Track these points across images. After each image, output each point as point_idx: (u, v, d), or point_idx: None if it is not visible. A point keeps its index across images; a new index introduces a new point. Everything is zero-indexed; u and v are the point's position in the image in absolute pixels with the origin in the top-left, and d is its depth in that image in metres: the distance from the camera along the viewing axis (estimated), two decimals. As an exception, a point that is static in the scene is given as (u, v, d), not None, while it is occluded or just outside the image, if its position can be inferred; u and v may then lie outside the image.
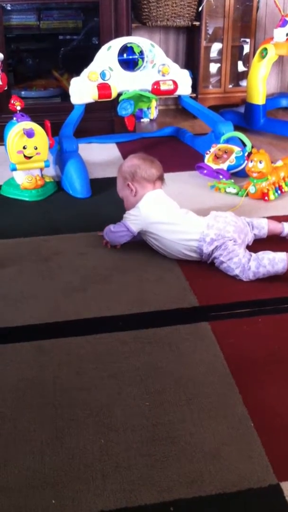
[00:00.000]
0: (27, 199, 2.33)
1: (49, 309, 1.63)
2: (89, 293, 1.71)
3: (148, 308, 1.63)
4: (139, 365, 1.40)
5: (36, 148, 2.28)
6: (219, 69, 3.59)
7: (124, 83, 2.68)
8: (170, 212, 1.87)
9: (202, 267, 1.83)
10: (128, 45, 2.69)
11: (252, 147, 2.47)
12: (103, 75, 2.65)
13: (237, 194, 2.36)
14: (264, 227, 1.95)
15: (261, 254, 1.76)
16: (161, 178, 1.94)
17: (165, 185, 1.96)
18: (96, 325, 1.57)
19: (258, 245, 1.90)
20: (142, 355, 1.44)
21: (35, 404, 1.29)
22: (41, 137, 2.28)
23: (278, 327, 1.56)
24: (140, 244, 1.91)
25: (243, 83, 3.64)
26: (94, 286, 1.74)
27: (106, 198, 2.20)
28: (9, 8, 3.11)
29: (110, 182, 1.95)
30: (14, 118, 2.31)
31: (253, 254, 1.76)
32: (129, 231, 1.87)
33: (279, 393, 1.32)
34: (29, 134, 2.25)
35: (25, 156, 2.28)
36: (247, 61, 3.63)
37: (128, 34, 2.97)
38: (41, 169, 2.37)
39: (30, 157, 2.29)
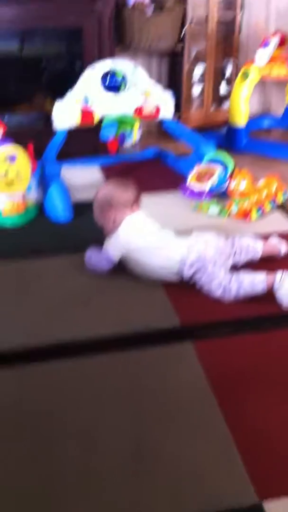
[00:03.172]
0: (8, 224, 2.32)
1: (28, 332, 1.62)
2: (70, 315, 1.70)
3: (130, 329, 1.63)
4: (121, 386, 1.40)
5: (18, 173, 2.28)
6: (202, 92, 3.63)
7: (107, 107, 2.70)
8: (150, 236, 1.86)
9: (184, 286, 1.82)
10: (111, 69, 2.72)
11: (235, 167, 2.49)
12: (85, 99, 2.67)
13: (219, 213, 2.37)
14: (258, 252, 1.95)
15: (241, 275, 1.76)
16: (137, 200, 1.95)
17: (141, 206, 1.96)
18: (77, 348, 1.56)
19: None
20: (124, 376, 1.44)
21: (14, 427, 1.27)
22: (24, 161, 2.29)
23: (260, 345, 1.56)
24: (121, 265, 1.91)
25: (226, 105, 3.68)
26: (76, 308, 1.73)
27: (89, 221, 2.19)
28: (-9, 34, 3.14)
29: (92, 205, 1.97)
30: (-4, 143, 2.31)
31: (233, 275, 1.76)
32: (110, 260, 1.86)
33: (260, 411, 1.32)
34: (12, 158, 2.25)
35: (7, 181, 2.28)
36: (229, 83, 3.67)
37: (112, 57, 3.00)
38: (23, 194, 2.37)
39: (12, 182, 2.29)
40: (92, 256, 1.90)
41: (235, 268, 1.89)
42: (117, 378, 1.43)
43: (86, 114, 2.63)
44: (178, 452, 1.20)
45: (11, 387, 1.41)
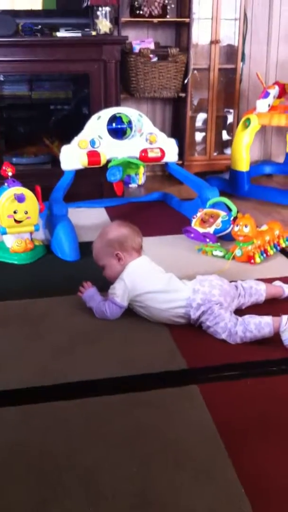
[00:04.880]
0: (16, 262, 2.35)
1: (35, 371, 1.62)
2: (76, 355, 1.70)
3: (136, 370, 1.63)
4: (127, 429, 1.39)
5: (26, 213, 2.33)
6: (204, 138, 3.73)
7: (113, 150, 2.77)
8: (155, 281, 1.87)
9: (190, 328, 1.83)
10: (117, 115, 2.80)
11: (238, 211, 2.53)
12: (92, 142, 2.74)
13: (223, 257, 2.40)
14: (262, 294, 1.96)
15: (247, 318, 1.77)
16: (142, 245, 1.97)
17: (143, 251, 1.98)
18: (83, 388, 1.55)
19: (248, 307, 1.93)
20: (130, 419, 1.43)
21: (20, 470, 1.26)
22: (32, 202, 2.33)
23: (267, 389, 1.55)
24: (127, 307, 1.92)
25: (228, 150, 3.77)
26: (82, 348, 1.74)
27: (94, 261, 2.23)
28: (2, 79, 3.24)
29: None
30: (6, 184, 2.36)
31: (239, 318, 1.77)
32: (121, 307, 1.86)
33: (269, 456, 1.31)
34: (20, 198, 2.29)
35: (15, 220, 2.32)
36: (231, 130, 3.78)
37: (117, 104, 3.09)
38: (31, 233, 2.41)
39: (20, 221, 2.33)
40: (100, 305, 1.87)
41: (240, 310, 1.91)
42: (123, 420, 1.42)
43: (94, 155, 2.70)
44: (186, 499, 1.18)
45: (17, 426, 1.40)
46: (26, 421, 1.42)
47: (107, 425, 1.40)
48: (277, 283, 2.06)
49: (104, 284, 1.94)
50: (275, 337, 1.74)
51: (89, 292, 1.91)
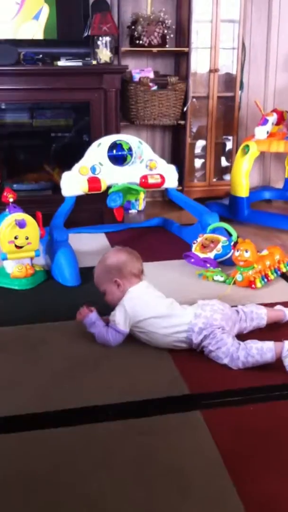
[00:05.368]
0: (17, 287, 2.34)
1: (36, 398, 1.61)
2: (78, 381, 1.69)
3: (138, 396, 1.61)
4: (130, 456, 1.37)
5: (27, 238, 2.33)
6: (204, 164, 3.76)
7: (114, 177, 2.79)
8: (156, 306, 1.86)
9: (192, 354, 1.83)
10: (117, 142, 2.83)
11: (238, 237, 2.54)
12: (93, 169, 2.76)
13: (224, 282, 2.40)
14: (263, 317, 1.96)
15: (249, 343, 1.76)
16: (143, 270, 1.97)
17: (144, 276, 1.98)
18: (84, 415, 1.54)
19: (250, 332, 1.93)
20: (133, 445, 1.41)
21: (19, 500, 1.24)
22: (33, 228, 2.34)
23: (270, 415, 1.54)
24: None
25: (227, 176, 3.80)
26: (83, 374, 1.72)
27: (95, 286, 2.23)
28: (3, 107, 3.29)
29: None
30: (7, 210, 2.37)
31: (241, 343, 1.77)
32: (124, 333, 1.86)
33: (274, 482, 1.29)
34: (21, 224, 2.30)
35: (16, 246, 2.32)
36: (230, 156, 3.81)
37: (117, 131, 3.13)
38: (32, 258, 2.41)
39: (21, 247, 2.34)
40: (102, 332, 1.86)
41: (242, 335, 1.90)
42: (126, 447, 1.40)
43: (94, 181, 2.72)
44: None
45: (19, 453, 1.38)
46: (26, 449, 1.40)
47: (109, 452, 1.38)
48: (278, 307, 2.06)
49: (105, 308, 1.93)
50: (277, 363, 1.73)
51: (90, 318, 1.89)
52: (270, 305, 2.08)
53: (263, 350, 1.73)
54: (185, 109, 3.51)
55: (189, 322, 1.81)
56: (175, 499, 1.24)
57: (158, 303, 1.89)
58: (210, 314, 1.82)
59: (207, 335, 1.78)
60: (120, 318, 1.85)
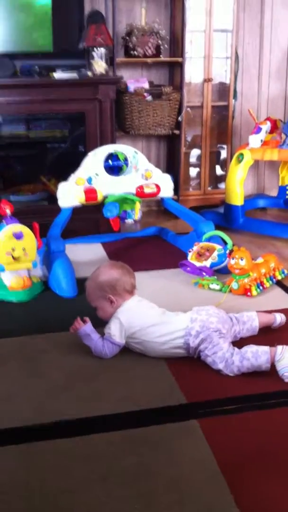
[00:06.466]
0: (14, 299, 2.36)
1: (34, 409, 1.62)
2: (75, 392, 1.70)
3: (135, 406, 1.63)
4: (128, 466, 1.39)
5: (24, 249, 2.35)
6: (199, 173, 3.79)
7: (110, 187, 2.81)
8: (150, 317, 1.89)
9: (188, 362, 1.84)
10: (113, 152, 2.85)
11: (233, 245, 2.57)
12: (89, 180, 2.78)
13: (220, 290, 2.42)
14: (254, 319, 1.99)
15: (244, 348, 1.79)
16: (135, 285, 1.98)
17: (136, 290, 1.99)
18: (82, 426, 1.55)
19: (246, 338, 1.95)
20: (131, 455, 1.43)
21: (21, 506, 1.25)
22: (30, 239, 2.36)
23: (267, 422, 1.56)
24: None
25: (222, 185, 3.82)
26: (81, 385, 1.74)
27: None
28: (0, 119, 3.31)
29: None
30: (3, 221, 2.39)
31: (236, 349, 1.79)
32: (119, 345, 1.87)
33: (271, 491, 1.30)
34: (18, 236, 2.32)
35: (13, 258, 2.34)
36: (224, 165, 3.84)
37: (113, 142, 3.15)
38: (29, 270, 2.42)
39: (18, 258, 2.35)
40: (98, 345, 1.87)
41: (237, 342, 1.92)
42: (124, 458, 1.41)
43: (90, 192, 2.74)
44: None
45: (18, 465, 1.39)
46: (25, 461, 1.41)
47: (107, 463, 1.40)
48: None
49: (101, 320, 1.95)
50: (272, 370, 1.75)
51: (85, 330, 1.89)
52: (266, 313, 2.10)
53: (258, 353, 1.75)
54: (179, 118, 3.53)
55: (185, 327, 1.83)
56: (172, 509, 1.25)
57: (151, 312, 1.91)
58: (206, 318, 1.85)
59: (204, 339, 1.80)
60: (115, 331, 1.87)
